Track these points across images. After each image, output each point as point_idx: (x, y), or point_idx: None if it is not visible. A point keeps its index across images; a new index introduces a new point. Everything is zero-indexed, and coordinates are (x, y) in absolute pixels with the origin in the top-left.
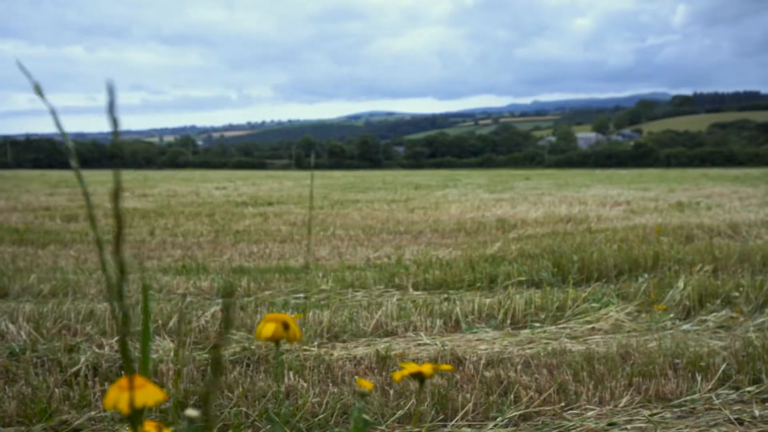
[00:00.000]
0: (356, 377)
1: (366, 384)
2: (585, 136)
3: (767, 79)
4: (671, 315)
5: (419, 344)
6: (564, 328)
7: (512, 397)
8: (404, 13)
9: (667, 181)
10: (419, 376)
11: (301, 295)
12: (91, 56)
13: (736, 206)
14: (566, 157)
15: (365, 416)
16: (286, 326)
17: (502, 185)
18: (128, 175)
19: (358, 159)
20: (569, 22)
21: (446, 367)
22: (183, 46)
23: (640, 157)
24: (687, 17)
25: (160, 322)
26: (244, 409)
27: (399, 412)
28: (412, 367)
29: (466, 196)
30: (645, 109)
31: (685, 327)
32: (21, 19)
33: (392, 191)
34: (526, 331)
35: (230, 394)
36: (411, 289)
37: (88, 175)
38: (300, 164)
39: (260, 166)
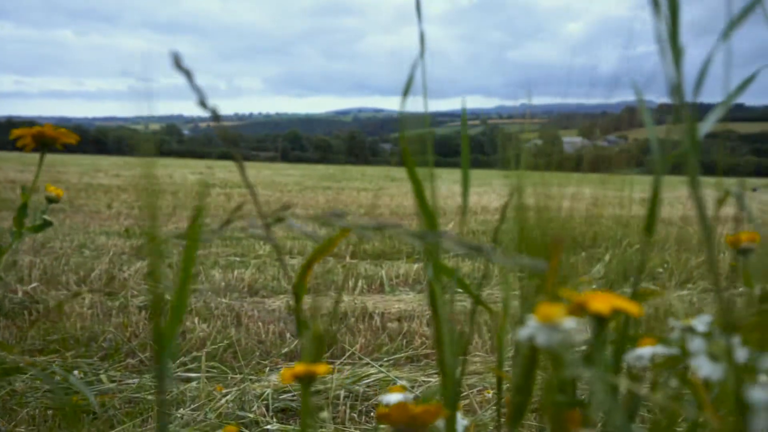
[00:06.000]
0: (47, 183)
1: (55, 190)
2: (571, 140)
3: (752, 92)
4: (594, 286)
5: (335, 301)
6: (486, 293)
7: (404, 342)
8: (398, 11)
9: (643, 184)
10: (39, 139)
11: (237, 258)
12: (81, 40)
13: None
14: (551, 159)
15: (46, 217)
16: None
17: (479, 181)
18: (108, 160)
19: (345, 154)
20: (562, 27)
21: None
22: (174, 34)
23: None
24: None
25: (81, 273)
26: (125, 340)
27: (285, 349)
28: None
29: (439, 188)
30: (631, 115)
31: None
32: None
33: (368, 182)
34: (447, 295)
35: (125, 333)
36: (348, 258)
37: (70, 158)
38: (286, 157)
39: (246, 158)
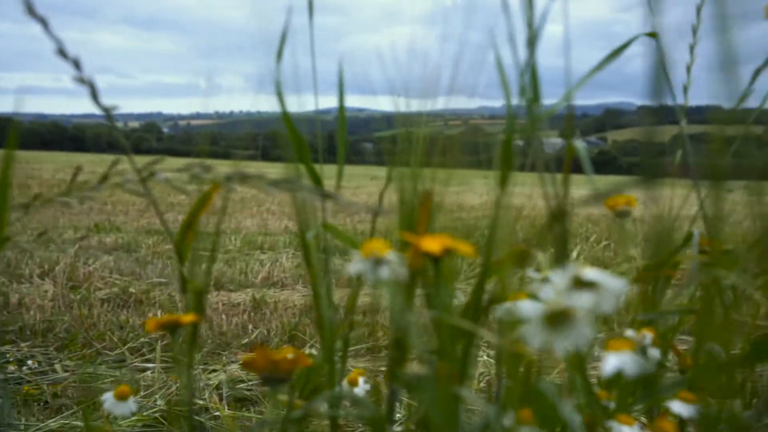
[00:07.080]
0: None
1: None
2: (551, 142)
3: (731, 95)
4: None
5: (303, 295)
6: (456, 288)
7: (366, 333)
8: (383, 10)
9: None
10: None
11: (206, 253)
12: (59, 36)
13: (673, 205)
14: (531, 160)
15: None
16: None
17: (458, 180)
18: (85, 158)
19: (326, 153)
20: (542, 29)
21: None
22: (154, 30)
23: (603, 164)
24: (659, 29)
25: (46, 266)
26: (83, 331)
27: (245, 340)
28: None
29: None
30: (611, 117)
31: None
32: None
33: (347, 181)
34: (418, 290)
35: (83, 323)
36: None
37: (46, 155)
38: (266, 156)
39: (225, 155)
